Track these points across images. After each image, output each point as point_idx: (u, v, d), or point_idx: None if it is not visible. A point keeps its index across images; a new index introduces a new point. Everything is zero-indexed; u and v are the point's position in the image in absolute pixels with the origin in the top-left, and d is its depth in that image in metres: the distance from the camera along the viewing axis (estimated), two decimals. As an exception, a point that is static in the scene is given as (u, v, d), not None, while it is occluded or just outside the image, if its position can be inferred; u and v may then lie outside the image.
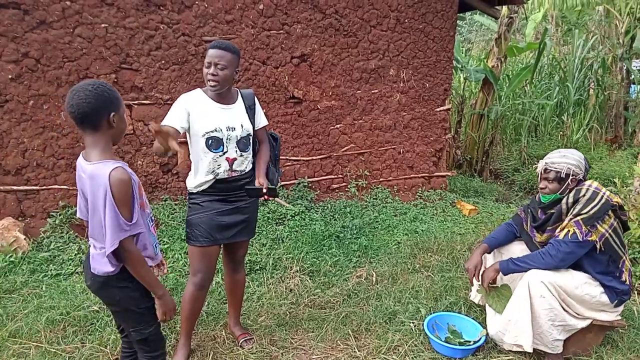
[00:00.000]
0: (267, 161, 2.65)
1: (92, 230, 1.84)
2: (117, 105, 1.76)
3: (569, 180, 2.56)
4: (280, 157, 4.96)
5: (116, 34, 4.04)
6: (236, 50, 2.39)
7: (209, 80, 2.36)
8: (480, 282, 2.79)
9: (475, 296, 3.07)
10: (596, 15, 10.35)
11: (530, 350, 2.50)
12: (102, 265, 1.80)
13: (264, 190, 2.42)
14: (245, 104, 2.55)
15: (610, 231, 2.49)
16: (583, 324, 2.54)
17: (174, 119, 2.34)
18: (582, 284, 2.50)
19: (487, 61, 7.99)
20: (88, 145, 1.76)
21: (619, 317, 2.65)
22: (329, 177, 5.30)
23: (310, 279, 3.63)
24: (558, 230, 2.58)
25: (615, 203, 2.51)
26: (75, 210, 2.71)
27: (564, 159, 2.57)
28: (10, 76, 3.78)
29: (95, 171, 1.71)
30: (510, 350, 2.64)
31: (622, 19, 9.27)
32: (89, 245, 1.90)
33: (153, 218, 2.04)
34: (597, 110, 9.81)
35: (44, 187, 4.03)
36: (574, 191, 2.56)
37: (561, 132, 9.50)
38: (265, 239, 4.15)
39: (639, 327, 3.02)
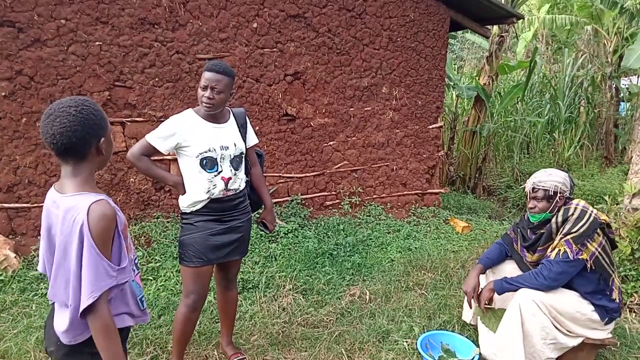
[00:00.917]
0: (267, 188, 2.75)
1: (54, 288, 1.47)
2: (105, 127, 1.47)
3: (557, 198, 2.59)
4: (274, 174, 4.99)
5: (110, 52, 4.07)
6: (233, 74, 2.42)
7: (203, 103, 2.37)
8: (477, 304, 2.78)
9: (466, 316, 3.06)
10: (585, 35, 10.56)
11: (522, 370, 2.49)
12: (70, 331, 1.44)
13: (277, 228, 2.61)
14: (237, 123, 2.57)
15: (599, 249, 2.51)
16: (574, 342, 2.54)
17: (160, 144, 2.38)
18: (573, 302, 2.51)
19: (479, 79, 8.09)
20: (66, 176, 1.45)
21: (610, 335, 2.65)
22: (322, 194, 5.31)
23: (303, 297, 3.61)
24: (549, 250, 2.60)
25: (603, 221, 2.54)
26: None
27: (550, 177, 2.61)
28: (3, 94, 3.78)
29: (72, 203, 1.40)
30: (504, 370, 2.63)
31: (610, 38, 9.45)
32: (52, 303, 1.56)
33: (138, 264, 1.72)
34: (588, 127, 9.94)
35: (36, 205, 4.01)
36: (562, 210, 2.59)
37: (553, 149, 9.60)
38: (258, 257, 4.14)
39: (631, 345, 3.02)
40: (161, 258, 3.99)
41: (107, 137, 1.49)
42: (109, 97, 4.13)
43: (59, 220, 1.41)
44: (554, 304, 2.47)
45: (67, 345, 1.47)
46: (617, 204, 4.06)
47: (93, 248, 1.36)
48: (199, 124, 2.42)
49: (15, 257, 3.76)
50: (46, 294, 3.46)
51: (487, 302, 2.68)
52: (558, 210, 2.61)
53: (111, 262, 1.43)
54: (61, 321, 1.46)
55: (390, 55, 5.36)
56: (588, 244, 2.48)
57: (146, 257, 3.99)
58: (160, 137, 2.38)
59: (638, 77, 10.63)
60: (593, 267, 2.50)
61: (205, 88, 2.35)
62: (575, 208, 2.55)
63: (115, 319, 1.48)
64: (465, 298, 2.84)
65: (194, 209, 2.46)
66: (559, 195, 2.58)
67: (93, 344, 1.44)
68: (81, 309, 1.37)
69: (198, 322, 3.10)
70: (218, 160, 2.41)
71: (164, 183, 2.28)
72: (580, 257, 2.47)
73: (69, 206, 1.40)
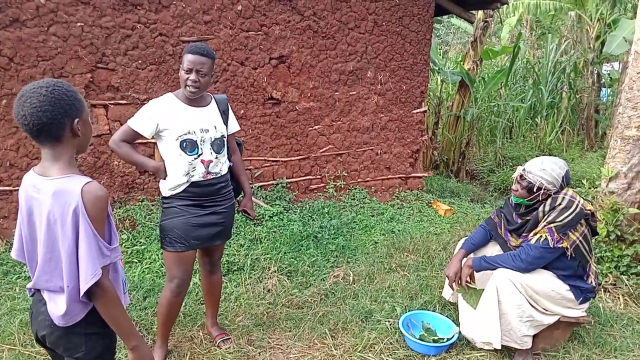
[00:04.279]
0: (247, 176, 2.83)
1: (41, 274, 1.46)
2: (80, 109, 1.45)
3: (540, 193, 2.62)
4: (259, 158, 5.00)
5: (92, 33, 4.00)
6: (214, 56, 2.43)
7: (188, 86, 2.36)
8: (459, 286, 2.84)
9: (446, 293, 3.14)
10: (568, 20, 10.64)
11: (499, 347, 2.58)
12: (68, 313, 1.45)
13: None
14: (219, 109, 2.57)
15: (580, 238, 2.57)
16: (550, 319, 2.63)
17: (142, 127, 2.38)
18: (548, 281, 2.59)
19: (463, 64, 8.14)
20: (47, 159, 1.44)
21: (585, 314, 2.74)
22: (307, 177, 5.34)
23: (288, 279, 3.66)
24: (531, 234, 2.64)
25: (588, 211, 2.59)
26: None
27: (541, 173, 2.60)
28: (-18, 75, 3.71)
29: (62, 186, 1.39)
30: (482, 348, 2.71)
31: (592, 24, 9.55)
32: (31, 291, 1.56)
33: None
34: (569, 113, 10.08)
35: (17, 188, 3.96)
36: (550, 199, 2.61)
37: (535, 134, 9.74)
38: (243, 240, 4.16)
39: (604, 323, 3.14)
40: (146, 241, 4.00)
41: (83, 118, 1.46)
42: (91, 80, 4.08)
43: (43, 204, 1.40)
44: (530, 282, 2.54)
45: (61, 327, 1.48)
46: (594, 188, 4.15)
47: (90, 228, 1.38)
48: (178, 107, 2.42)
49: (-3, 240, 3.74)
50: (29, 277, 3.48)
51: (468, 280, 2.75)
52: (546, 199, 2.64)
53: (111, 239, 1.47)
54: (57, 305, 1.46)
55: (376, 40, 5.36)
56: (570, 234, 2.53)
57: (131, 239, 3.99)
58: (141, 121, 2.38)
59: (619, 64, 10.77)
60: (573, 255, 2.56)
61: (189, 71, 2.34)
62: (563, 198, 2.57)
63: None
64: (447, 281, 2.91)
65: (174, 192, 2.47)
66: (542, 190, 2.61)
67: (86, 324, 1.49)
68: (84, 290, 1.40)
69: (183, 304, 3.13)
70: (198, 142, 2.42)
71: (144, 169, 2.25)
72: (560, 245, 2.52)
73: (58, 189, 1.39)
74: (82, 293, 1.40)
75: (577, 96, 10.11)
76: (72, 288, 1.42)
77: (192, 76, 2.33)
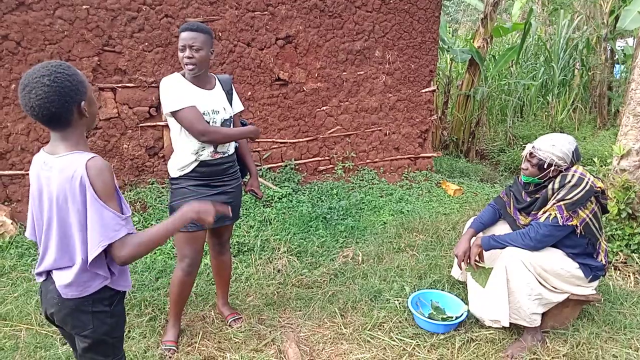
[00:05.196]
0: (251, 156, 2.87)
1: (60, 254, 1.48)
2: (84, 90, 1.46)
3: (550, 169, 2.61)
4: (267, 140, 5.00)
5: (98, 16, 3.99)
6: (209, 31, 2.40)
7: (186, 64, 2.36)
8: (467, 265, 2.84)
9: (455, 272, 3.15)
10: (581, -5, 10.39)
11: (507, 325, 2.59)
12: (74, 284, 1.47)
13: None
14: (224, 89, 2.57)
15: (590, 216, 2.54)
16: (559, 298, 2.63)
17: (188, 100, 2.33)
18: (558, 259, 2.58)
19: (473, 42, 8.00)
20: (56, 139, 1.47)
21: (595, 292, 2.74)
22: (316, 159, 5.33)
23: (297, 259, 3.69)
24: (540, 212, 2.63)
25: (598, 189, 2.56)
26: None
27: (552, 149, 2.57)
28: (-9, 59, 3.73)
29: (68, 162, 1.42)
30: (491, 326, 2.73)
31: (606, -1, 9.31)
32: (41, 276, 1.56)
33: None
34: (582, 90, 9.91)
35: (29, 172, 4.01)
36: (560, 177, 2.59)
37: (546, 113, 9.60)
38: (253, 221, 4.19)
39: (614, 301, 3.13)
40: (157, 223, 4.03)
41: (88, 98, 1.48)
42: (98, 63, 4.08)
43: (52, 182, 1.43)
44: (539, 260, 2.54)
45: (68, 305, 1.50)
46: (605, 166, 4.11)
47: (96, 200, 1.40)
48: (189, 87, 2.42)
49: (11, 223, 3.80)
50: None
51: (477, 259, 2.75)
52: (555, 177, 2.62)
53: (122, 210, 1.48)
54: (65, 276, 1.48)
55: (383, 18, 5.28)
56: (580, 211, 2.51)
57: (142, 222, 4.04)
58: (180, 95, 2.34)
59: (634, 39, 10.52)
60: (583, 233, 2.55)
61: (183, 49, 2.34)
62: (573, 175, 2.55)
63: (122, 281, 1.59)
64: (456, 260, 2.91)
65: (183, 173, 2.48)
66: (553, 167, 2.59)
67: (97, 301, 1.52)
68: (91, 259, 1.42)
69: (195, 284, 3.17)
70: (210, 123, 2.42)
71: (245, 136, 2.49)
72: (569, 223, 2.50)
73: (64, 165, 1.42)
74: (89, 260, 1.43)
75: (589, 73, 9.92)
76: (84, 260, 1.44)
77: (187, 53, 2.33)
